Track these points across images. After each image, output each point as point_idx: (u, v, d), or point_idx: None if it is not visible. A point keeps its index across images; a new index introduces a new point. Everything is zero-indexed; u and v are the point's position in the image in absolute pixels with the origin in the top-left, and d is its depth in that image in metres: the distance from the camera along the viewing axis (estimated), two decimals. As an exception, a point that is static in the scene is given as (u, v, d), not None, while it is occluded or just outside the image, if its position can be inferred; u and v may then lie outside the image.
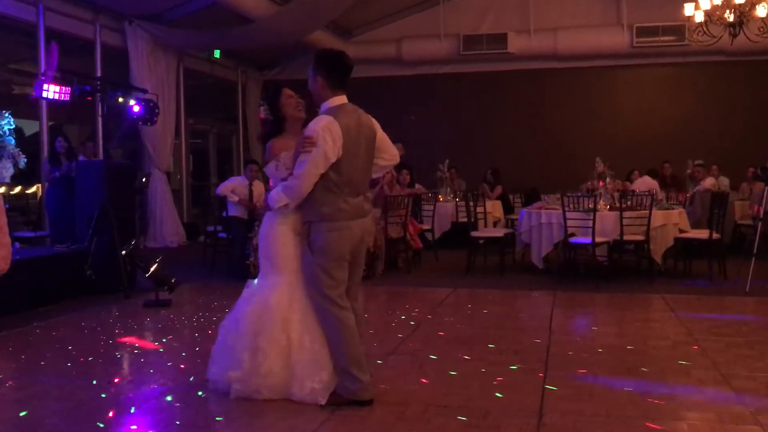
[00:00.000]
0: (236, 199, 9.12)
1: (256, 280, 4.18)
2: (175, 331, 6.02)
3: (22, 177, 11.18)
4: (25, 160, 9.27)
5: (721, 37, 9.94)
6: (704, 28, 9.93)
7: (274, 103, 4.08)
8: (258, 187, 9.18)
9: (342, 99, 3.97)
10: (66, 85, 7.71)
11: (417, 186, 10.75)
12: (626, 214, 8.12)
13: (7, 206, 4.31)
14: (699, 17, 9.91)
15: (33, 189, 13.08)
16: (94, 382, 4.48)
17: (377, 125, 4.08)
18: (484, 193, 11.77)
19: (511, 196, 12.80)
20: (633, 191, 9.52)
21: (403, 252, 9.39)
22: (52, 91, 7.62)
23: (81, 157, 9.64)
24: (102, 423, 3.77)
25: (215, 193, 9.92)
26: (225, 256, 9.41)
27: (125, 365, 5.12)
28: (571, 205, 8.18)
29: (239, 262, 8.33)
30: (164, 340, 5.69)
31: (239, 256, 8.49)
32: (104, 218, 7.53)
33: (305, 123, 4.02)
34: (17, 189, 13.22)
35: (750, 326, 5.99)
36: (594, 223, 7.84)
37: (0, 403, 4.19)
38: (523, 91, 14.99)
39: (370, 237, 5.63)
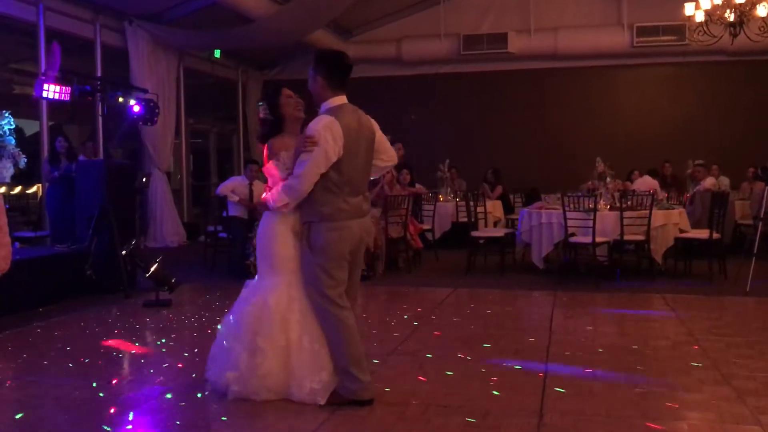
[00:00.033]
0: (236, 198, 9.12)
1: (255, 280, 4.18)
2: (176, 331, 6.02)
3: (23, 177, 11.18)
4: (26, 160, 9.26)
5: (721, 36, 9.93)
6: (705, 28, 9.93)
7: (274, 102, 4.07)
8: (258, 187, 9.17)
9: (342, 99, 3.97)
10: (66, 85, 7.71)
11: (417, 186, 10.76)
12: (626, 214, 8.13)
13: (8, 206, 4.31)
14: (699, 17, 9.91)
15: (33, 189, 13.09)
16: (95, 382, 4.47)
17: (376, 126, 4.09)
18: (484, 193, 11.77)
19: (511, 196, 12.81)
20: (633, 191, 9.52)
21: (404, 252, 9.39)
22: (52, 91, 7.62)
23: (81, 157, 9.64)
24: (102, 423, 3.77)
25: (215, 193, 9.92)
26: (225, 256, 9.41)
27: (125, 365, 5.12)
28: (572, 205, 8.18)
29: (239, 262, 8.34)
30: (164, 340, 5.70)
31: (239, 256, 8.50)
32: (104, 218, 7.53)
33: (304, 123, 4.02)
34: (17, 189, 13.23)
35: (750, 326, 5.99)
36: (594, 223, 7.84)
37: (0, 403, 4.18)
38: (523, 90, 14.99)
39: (369, 237, 5.64)
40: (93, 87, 8.12)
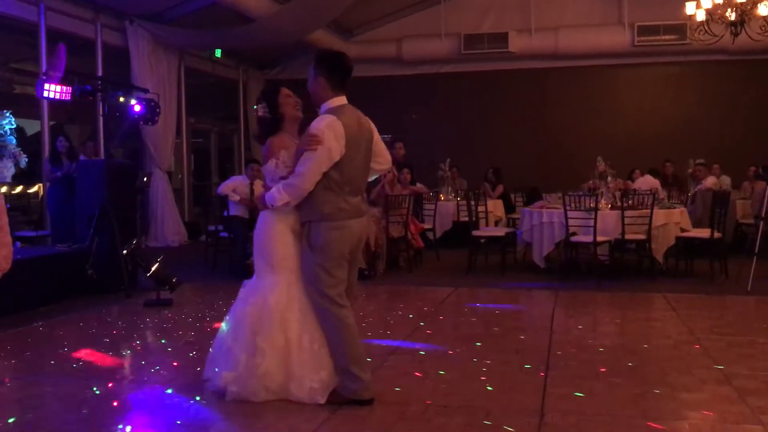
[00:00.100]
0: (237, 198, 9.12)
1: (253, 280, 4.17)
2: (176, 330, 6.02)
3: (24, 176, 11.19)
4: (26, 159, 9.27)
5: (722, 36, 9.92)
6: (706, 27, 9.92)
7: (273, 101, 4.07)
8: (259, 186, 9.16)
9: (342, 100, 3.98)
10: (67, 85, 7.71)
11: (418, 185, 10.75)
12: (628, 213, 8.12)
13: (9, 206, 4.31)
14: (700, 16, 9.89)
15: (34, 188, 13.08)
16: (95, 382, 4.47)
17: (374, 128, 4.10)
18: (485, 193, 11.77)
19: (512, 195, 12.81)
20: (634, 190, 9.51)
21: (405, 251, 9.39)
22: (53, 91, 7.62)
23: (82, 157, 9.65)
24: (102, 423, 3.77)
25: (216, 193, 9.93)
26: (226, 255, 9.41)
27: (126, 365, 5.12)
28: (573, 204, 8.18)
29: (240, 262, 8.34)
30: (165, 340, 5.70)
31: (240, 255, 8.51)
32: (105, 218, 7.53)
33: (302, 122, 4.02)
34: (19, 188, 13.22)
35: (751, 325, 5.98)
36: (595, 222, 7.83)
37: (0, 403, 4.18)
38: (524, 90, 14.98)
39: (367, 236, 5.65)
40: (94, 87, 8.12)
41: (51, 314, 6.62)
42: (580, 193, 8.78)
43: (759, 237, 7.75)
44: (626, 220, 8.03)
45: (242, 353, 3.93)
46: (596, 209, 7.90)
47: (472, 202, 9.36)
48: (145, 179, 8.60)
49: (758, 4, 9.53)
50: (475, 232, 9.22)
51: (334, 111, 3.91)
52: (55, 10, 10.40)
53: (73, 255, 7.55)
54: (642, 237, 8.13)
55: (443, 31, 14.95)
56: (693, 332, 5.63)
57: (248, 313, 3.98)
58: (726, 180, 11.94)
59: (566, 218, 8.03)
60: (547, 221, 8.48)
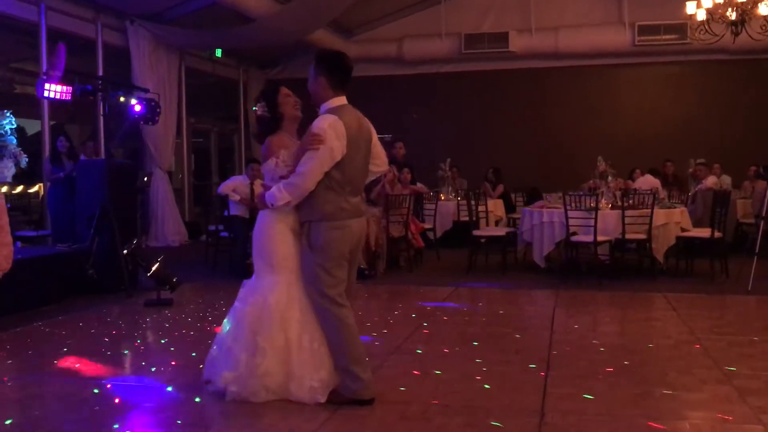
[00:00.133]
0: (238, 198, 9.12)
1: (252, 279, 4.17)
2: (177, 330, 6.02)
3: (24, 176, 11.20)
4: (27, 159, 9.27)
5: (723, 35, 9.91)
6: (706, 27, 9.91)
7: (272, 100, 4.07)
8: (259, 186, 9.16)
9: (342, 100, 3.99)
10: (67, 85, 7.71)
11: (419, 184, 10.76)
12: (628, 212, 8.12)
13: (9, 206, 4.31)
14: (701, 15, 9.89)
15: (35, 188, 13.09)
16: (95, 382, 4.47)
17: (373, 129, 4.11)
18: (485, 192, 11.77)
19: (512, 195, 12.81)
20: (635, 190, 9.51)
21: (405, 251, 9.39)
22: (53, 91, 7.62)
23: (82, 157, 9.64)
24: (103, 422, 3.76)
25: (217, 192, 9.93)
26: (226, 255, 9.42)
27: (126, 365, 5.12)
28: (573, 204, 8.18)
29: (241, 262, 8.34)
30: (165, 339, 5.69)
31: (241, 255, 8.50)
32: (106, 218, 7.53)
33: (301, 122, 4.03)
34: (19, 188, 13.23)
35: (752, 325, 5.98)
36: (596, 222, 7.83)
37: (0, 403, 4.18)
38: (524, 89, 14.98)
39: (367, 235, 5.65)
40: (94, 86, 8.12)
41: (51, 314, 6.61)
42: (581, 193, 8.78)
43: (760, 236, 7.74)
44: (627, 220, 8.03)
45: (242, 353, 3.93)
46: (597, 209, 7.90)
47: (473, 202, 9.36)
48: (145, 179, 8.60)
49: (759, 4, 9.52)
50: (476, 232, 9.22)
51: (335, 111, 3.92)
52: (56, 9, 10.40)
53: (74, 255, 7.55)
54: (642, 237, 8.13)
55: (444, 31, 14.94)
56: (693, 332, 5.62)
57: (248, 313, 3.98)
58: (726, 179, 11.93)
59: (567, 218, 8.03)
60: (547, 221, 8.48)
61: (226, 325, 4.10)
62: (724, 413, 3.76)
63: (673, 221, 8.41)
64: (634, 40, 14.11)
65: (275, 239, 4.00)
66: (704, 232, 8.49)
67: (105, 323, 6.35)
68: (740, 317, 6.38)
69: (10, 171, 9.09)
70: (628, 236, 8.10)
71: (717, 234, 8.30)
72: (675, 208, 8.79)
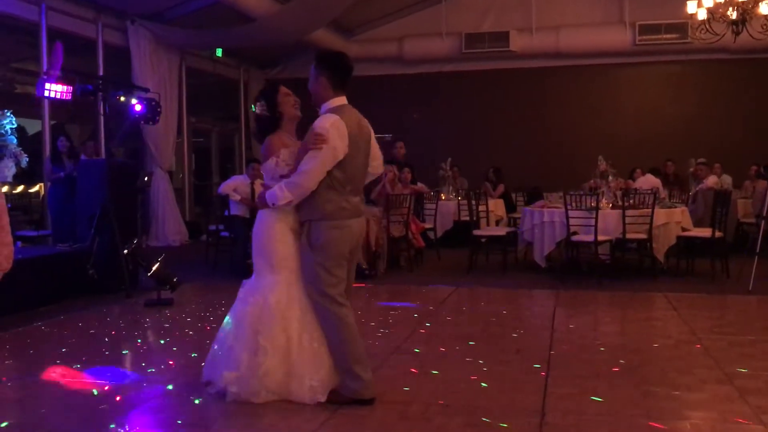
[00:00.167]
0: (238, 197, 9.12)
1: (252, 279, 4.16)
2: (177, 330, 6.02)
3: (25, 176, 11.19)
4: (27, 159, 9.26)
5: (724, 35, 9.90)
6: (707, 26, 9.90)
7: (271, 100, 4.07)
8: (260, 186, 9.16)
9: (342, 100, 3.99)
10: (68, 84, 7.71)
11: (419, 184, 10.76)
12: (629, 212, 8.11)
13: (10, 205, 4.30)
14: (702, 15, 9.87)
15: (35, 188, 13.10)
16: (95, 381, 4.48)
17: (371, 129, 4.12)
18: (486, 192, 11.76)
19: (513, 195, 12.81)
20: (635, 189, 9.50)
21: (406, 250, 9.39)
22: (54, 90, 7.63)
23: (83, 157, 9.65)
24: (103, 422, 3.76)
25: (217, 192, 9.93)
26: (227, 255, 9.41)
27: (126, 365, 5.11)
28: (574, 204, 8.17)
29: (241, 261, 8.34)
30: (166, 339, 5.69)
31: (241, 255, 8.50)
32: (106, 217, 7.53)
33: (301, 122, 4.03)
34: (20, 188, 13.24)
35: (753, 325, 5.98)
36: (596, 222, 7.83)
37: (1, 403, 4.18)
38: (525, 89, 14.96)
39: (367, 235, 5.65)
40: (95, 86, 8.12)
41: (51, 314, 6.61)
42: (581, 193, 8.77)
43: (760, 236, 7.74)
44: (627, 220, 8.02)
45: (244, 352, 3.92)
46: (597, 208, 7.90)
47: (473, 202, 9.35)
48: (146, 179, 8.60)
49: (760, 3, 9.51)
50: (476, 232, 9.22)
51: (336, 111, 3.93)
52: (56, 9, 10.40)
53: (74, 255, 7.55)
54: (643, 236, 8.13)
55: (444, 31, 14.93)
56: (694, 332, 5.62)
57: (248, 313, 3.98)
58: (727, 179, 11.92)
59: (567, 217, 8.03)
60: (548, 220, 8.47)
61: (227, 325, 4.10)
62: (725, 413, 3.75)
63: (673, 221, 8.40)
64: (634, 40, 14.10)
65: (275, 239, 4.00)
66: (705, 232, 8.48)
67: (105, 323, 6.34)
68: (741, 317, 6.37)
69: (10, 171, 9.07)
70: (628, 236, 8.10)
71: (718, 234, 8.29)
72: (676, 207, 8.78)
